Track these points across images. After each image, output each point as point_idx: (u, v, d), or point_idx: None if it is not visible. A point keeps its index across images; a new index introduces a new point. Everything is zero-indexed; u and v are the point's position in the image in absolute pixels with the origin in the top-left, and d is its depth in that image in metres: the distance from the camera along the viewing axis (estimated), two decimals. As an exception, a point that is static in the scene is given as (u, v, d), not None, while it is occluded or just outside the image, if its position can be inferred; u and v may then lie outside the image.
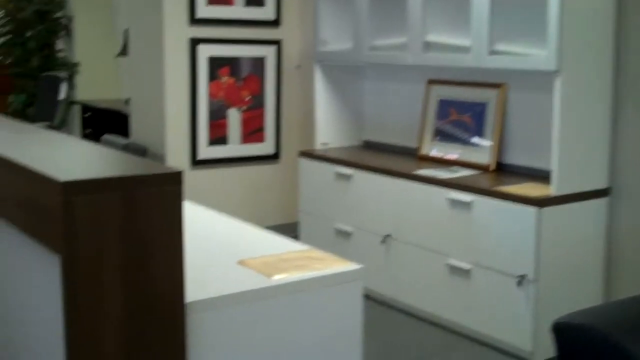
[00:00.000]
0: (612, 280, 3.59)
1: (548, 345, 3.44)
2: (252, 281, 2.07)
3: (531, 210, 3.27)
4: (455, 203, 3.60)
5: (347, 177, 4.23)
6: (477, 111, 3.99)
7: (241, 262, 2.24)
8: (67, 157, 2.11)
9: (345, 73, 4.72)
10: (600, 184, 3.51)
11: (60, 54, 6.91)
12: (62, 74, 6.49)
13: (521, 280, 3.32)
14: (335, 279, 2.17)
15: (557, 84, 3.28)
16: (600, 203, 3.52)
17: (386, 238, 3.99)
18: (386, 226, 3.99)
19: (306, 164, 4.54)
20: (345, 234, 4.26)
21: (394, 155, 4.40)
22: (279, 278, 2.10)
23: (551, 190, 3.35)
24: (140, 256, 1.76)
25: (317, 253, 2.34)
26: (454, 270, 3.63)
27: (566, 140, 3.32)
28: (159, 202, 1.77)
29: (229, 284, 2.05)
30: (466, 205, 3.55)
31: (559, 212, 3.35)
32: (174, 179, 1.79)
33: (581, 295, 3.52)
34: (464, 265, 3.58)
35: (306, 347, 2.11)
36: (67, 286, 1.70)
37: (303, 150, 4.64)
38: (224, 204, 4.90)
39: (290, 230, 5.13)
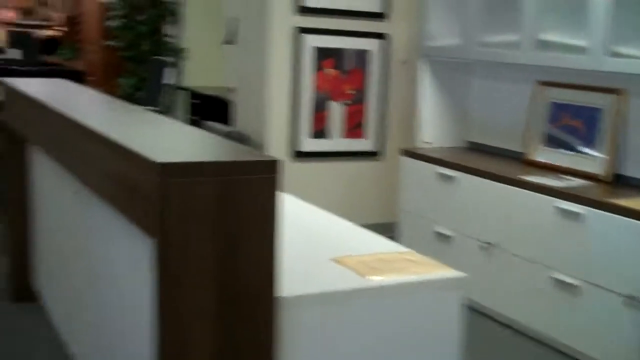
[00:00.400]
0: None
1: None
2: (346, 280, 1.97)
3: (651, 227, 3.04)
4: (565, 214, 3.40)
5: (450, 179, 4.07)
6: (590, 117, 3.76)
7: (336, 260, 2.15)
8: (167, 140, 2.07)
9: (452, 70, 4.55)
10: None
11: (169, 39, 7.00)
12: (170, 59, 6.57)
13: (630, 301, 3.10)
14: (435, 286, 2.05)
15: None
16: None
17: (488, 245, 3.82)
18: (488, 233, 3.82)
19: (408, 162, 4.40)
20: (444, 238, 4.11)
21: (498, 159, 4.22)
22: (375, 279, 2.00)
23: (673, 206, 3.10)
24: (233, 244, 1.69)
25: (417, 256, 2.23)
26: (560, 284, 3.43)
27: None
28: (254, 189, 1.70)
29: (322, 281, 1.96)
30: (577, 216, 3.34)
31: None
32: (270, 167, 1.72)
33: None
34: (571, 280, 3.37)
35: (399, 354, 2.00)
36: (159, 271, 1.65)
37: (405, 148, 4.51)
38: (321, 199, 4.83)
39: (387, 230, 5.00)
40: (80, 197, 2.64)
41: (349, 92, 4.87)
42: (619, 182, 3.66)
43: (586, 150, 3.76)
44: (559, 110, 3.93)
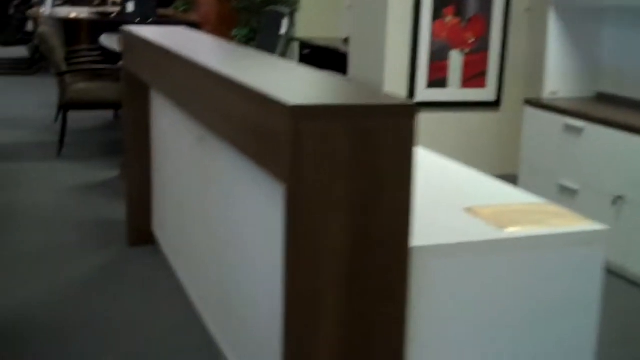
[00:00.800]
0: None
1: None
2: (482, 231, 1.88)
3: None
4: None
5: (577, 130, 3.86)
6: None
7: (469, 210, 2.05)
8: (297, 84, 2.00)
9: (582, 17, 4.29)
10: None
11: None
12: (284, 9, 6.52)
13: None
14: (577, 239, 1.92)
15: None
16: None
17: (618, 199, 3.61)
18: (619, 186, 3.61)
19: (531, 113, 4.21)
20: (570, 192, 3.92)
21: (631, 110, 3.96)
22: (513, 231, 1.89)
23: None
24: (368, 191, 1.62)
25: (554, 207, 2.10)
26: (698, 242, 3.21)
27: None
28: (391, 135, 1.61)
29: (457, 231, 1.87)
30: None
31: None
32: (408, 112, 1.63)
33: None
34: None
35: (534, 310, 1.89)
36: (290, 217, 1.60)
37: (528, 98, 4.31)
38: (439, 149, 4.71)
39: (506, 182, 4.84)
40: (204, 143, 2.63)
41: (471, 40, 4.69)
42: None
43: None
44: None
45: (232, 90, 1.94)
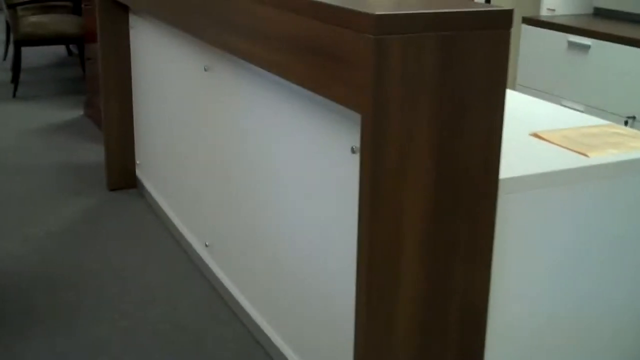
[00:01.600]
0: None
1: None
2: (563, 158, 1.67)
3: None
4: None
5: (583, 48, 3.67)
6: None
7: (536, 135, 1.83)
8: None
9: None
10: None
11: None
12: None
13: None
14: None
15: None
16: None
17: (630, 120, 3.45)
18: (630, 106, 3.44)
19: (530, 32, 3.99)
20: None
21: (633, 25, 3.78)
22: (597, 157, 1.69)
23: None
24: (457, 115, 1.39)
25: (623, 129, 1.90)
26: None
27: None
28: (485, 48, 1.37)
29: (540, 161, 1.65)
30: None
31: None
32: (504, 20, 1.38)
33: None
34: None
35: (623, 239, 1.71)
36: (371, 151, 1.36)
37: (526, 16, 4.09)
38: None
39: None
40: (214, 73, 2.35)
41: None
42: None
43: None
44: None
45: (282, 5, 1.66)
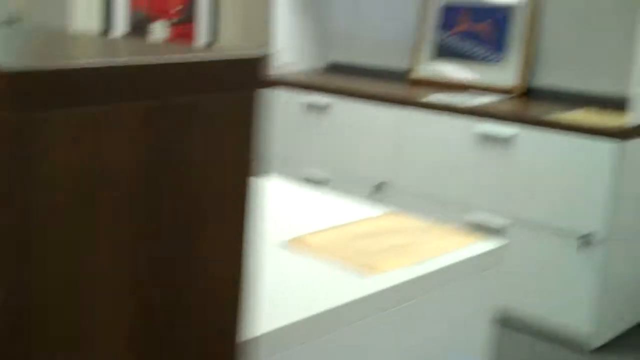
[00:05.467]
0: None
1: (613, 324, 2.62)
2: (342, 287, 1.08)
3: (609, 145, 2.39)
4: (487, 139, 2.68)
5: (321, 108, 3.22)
6: (498, 18, 3.05)
7: (295, 242, 1.23)
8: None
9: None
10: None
11: None
12: None
13: (585, 241, 2.46)
14: (474, 266, 1.20)
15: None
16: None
17: (381, 186, 3.04)
18: (380, 170, 3.04)
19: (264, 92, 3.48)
20: (318, 183, 3.28)
21: (376, 79, 3.43)
22: (383, 275, 1.12)
23: (629, 118, 2.47)
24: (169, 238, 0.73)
25: (406, 219, 1.36)
26: (483, 229, 2.73)
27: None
28: (219, 117, 0.73)
29: (301, 295, 1.05)
30: (505, 141, 2.63)
31: (640, 147, 2.49)
32: (252, 74, 0.77)
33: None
34: (498, 221, 2.68)
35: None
36: None
37: (256, 74, 3.58)
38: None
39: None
40: None
41: (176, 9, 3.84)
42: (535, 94, 3.01)
43: (494, 58, 3.06)
44: (455, 14, 3.18)
45: None
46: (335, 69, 3.75)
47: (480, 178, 2.72)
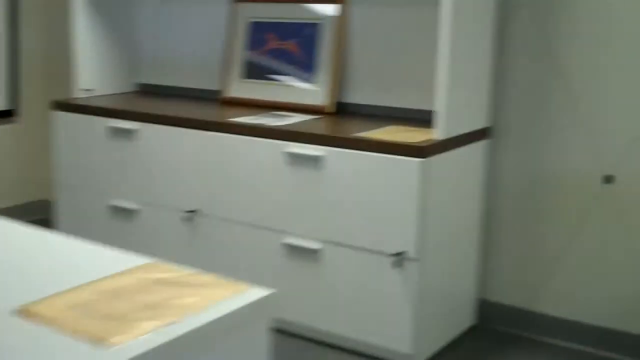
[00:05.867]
0: (492, 234, 2.83)
1: (431, 341, 2.60)
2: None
3: (413, 161, 2.36)
4: (297, 160, 2.59)
5: (129, 134, 3.02)
6: (306, 35, 2.98)
7: (27, 309, 1.05)
8: None
9: (109, -5, 3.45)
10: (481, 123, 2.69)
11: None
12: None
13: (398, 260, 2.41)
14: (236, 319, 1.08)
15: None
16: (482, 145, 2.71)
17: (193, 214, 2.88)
18: (190, 198, 2.88)
19: (64, 118, 3.23)
20: (126, 213, 3.07)
21: (188, 102, 3.28)
22: (125, 343, 0.96)
23: (434, 134, 2.46)
24: None
25: (167, 268, 1.22)
26: (295, 251, 2.63)
27: (453, 70, 2.44)
28: None
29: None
30: (315, 161, 2.55)
31: (446, 161, 2.48)
32: None
33: (461, 265, 2.72)
34: (312, 244, 2.59)
35: None
36: None
37: (58, 100, 3.32)
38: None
39: (39, 210, 3.81)
40: None
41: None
42: (346, 112, 2.96)
43: (304, 77, 2.98)
44: (263, 32, 3.08)
45: None
46: (145, 92, 3.56)
47: (294, 201, 2.62)
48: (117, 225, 3.10)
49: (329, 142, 2.52)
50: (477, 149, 2.67)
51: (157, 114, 2.95)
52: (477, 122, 2.66)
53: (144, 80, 3.57)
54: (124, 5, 3.48)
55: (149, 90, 3.55)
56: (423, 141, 2.40)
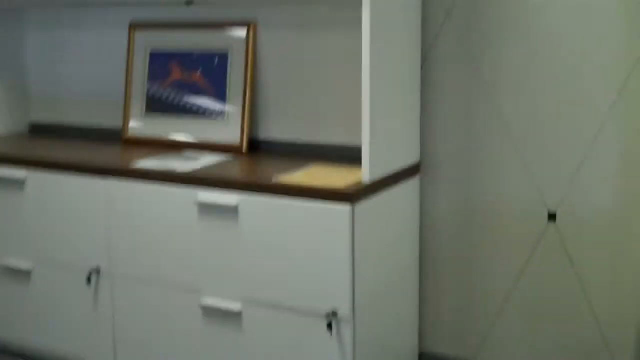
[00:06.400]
0: (426, 276, 2.58)
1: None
2: None
3: (341, 209, 2.08)
4: (210, 210, 2.28)
5: (17, 184, 2.66)
6: (212, 65, 2.68)
7: None
8: None
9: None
10: (410, 159, 2.44)
11: None
12: None
13: (329, 319, 2.13)
14: None
15: (365, 15, 2.10)
16: (413, 184, 2.46)
17: (94, 274, 2.53)
18: (93, 256, 2.53)
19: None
20: (21, 275, 2.70)
21: (85, 142, 2.93)
22: None
23: (362, 174, 2.18)
24: None
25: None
26: (214, 314, 2.32)
27: (378, 103, 2.17)
28: None
29: None
30: (230, 211, 2.25)
31: (377, 204, 2.21)
32: None
33: (399, 316, 2.45)
34: (232, 305, 2.29)
35: None
36: None
37: None
38: None
39: None
40: None
41: None
42: (260, 150, 2.67)
43: (212, 111, 2.68)
44: (166, 62, 2.76)
45: None
46: (37, 132, 3.19)
47: (208, 256, 2.31)
48: (9, 288, 2.73)
49: (244, 188, 2.22)
50: (408, 187, 2.41)
51: (50, 159, 2.60)
52: (408, 158, 2.40)
53: (37, 119, 3.20)
54: (7, 30, 3.10)
55: (40, 130, 3.18)
56: (350, 185, 2.13)
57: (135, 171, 2.41)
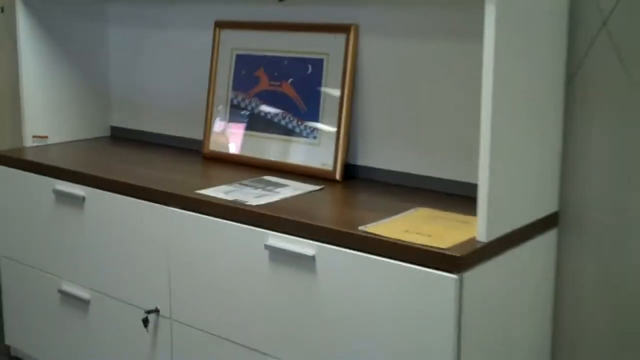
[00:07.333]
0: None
1: None
2: None
3: (447, 278, 1.56)
4: (280, 255, 1.83)
5: (76, 201, 2.31)
6: (305, 74, 2.22)
7: None
8: None
9: (72, 16, 2.74)
10: (545, 209, 1.88)
11: None
12: None
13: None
14: None
15: (488, 11, 1.57)
16: (547, 241, 1.90)
17: (151, 315, 2.14)
18: (151, 296, 2.14)
19: (8, 175, 2.54)
20: (79, 303, 2.36)
21: (163, 152, 2.56)
22: None
23: (475, 231, 1.65)
24: None
25: None
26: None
27: (502, 138, 1.64)
28: None
29: None
30: (303, 260, 1.78)
31: (494, 270, 1.68)
32: None
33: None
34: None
35: None
36: None
37: (1, 151, 2.63)
38: None
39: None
40: None
41: None
42: (356, 178, 2.19)
43: (303, 128, 2.22)
44: (252, 68, 2.33)
45: None
46: (118, 137, 2.85)
47: (279, 313, 1.86)
48: (66, 316, 2.40)
49: (323, 235, 1.75)
50: (540, 245, 1.85)
51: (112, 177, 2.23)
52: (541, 206, 1.85)
53: (119, 123, 2.86)
54: (88, 28, 2.77)
55: (123, 135, 2.84)
56: (459, 244, 1.60)
57: (197, 201, 1.99)
